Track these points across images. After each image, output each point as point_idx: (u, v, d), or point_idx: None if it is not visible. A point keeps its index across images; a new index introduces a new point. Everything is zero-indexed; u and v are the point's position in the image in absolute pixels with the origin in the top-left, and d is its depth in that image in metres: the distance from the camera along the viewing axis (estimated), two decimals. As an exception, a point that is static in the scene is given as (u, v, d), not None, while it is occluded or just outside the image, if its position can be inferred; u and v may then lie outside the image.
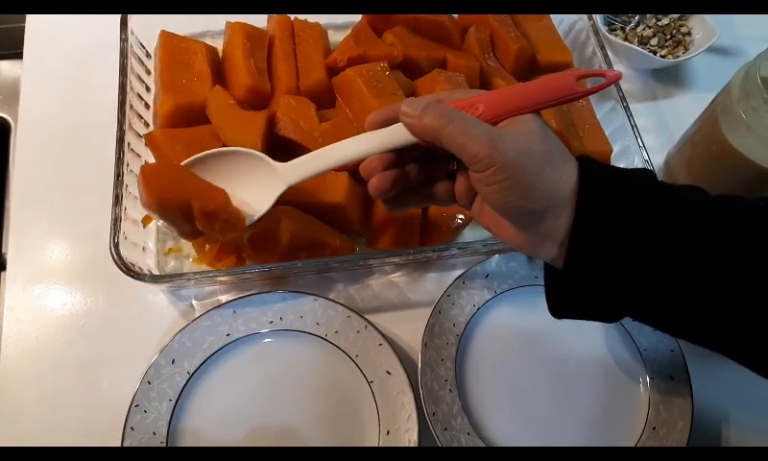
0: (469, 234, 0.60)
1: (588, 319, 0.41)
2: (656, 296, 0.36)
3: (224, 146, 0.58)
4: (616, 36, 0.73)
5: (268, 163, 0.46)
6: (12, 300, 0.56)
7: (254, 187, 0.46)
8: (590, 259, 0.36)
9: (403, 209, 0.45)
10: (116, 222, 0.52)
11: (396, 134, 0.40)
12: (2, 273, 0.58)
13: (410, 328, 0.57)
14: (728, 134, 0.55)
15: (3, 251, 0.59)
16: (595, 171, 0.37)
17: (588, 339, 0.57)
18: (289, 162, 0.45)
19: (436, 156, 0.42)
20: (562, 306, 0.41)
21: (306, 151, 0.58)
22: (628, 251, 0.35)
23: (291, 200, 0.56)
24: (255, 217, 0.46)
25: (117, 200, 0.53)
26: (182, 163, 0.47)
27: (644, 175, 0.38)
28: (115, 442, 0.48)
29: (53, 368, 0.53)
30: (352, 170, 0.58)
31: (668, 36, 0.74)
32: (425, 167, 0.43)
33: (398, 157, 0.42)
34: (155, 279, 0.51)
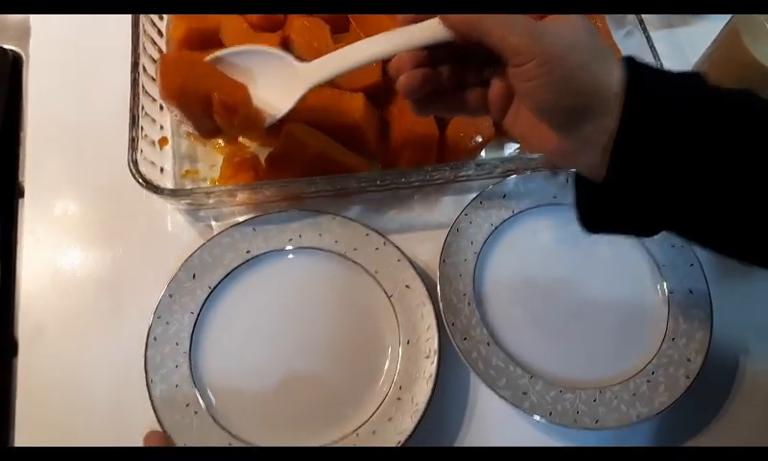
0: (488, 155, 0.60)
1: (624, 233, 0.39)
2: (704, 207, 0.34)
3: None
4: None
5: (289, 63, 0.45)
6: (31, 223, 0.56)
7: (276, 87, 0.46)
8: (637, 165, 0.34)
9: (431, 113, 0.43)
10: (133, 141, 0.52)
11: (430, 30, 0.38)
12: (20, 200, 0.58)
13: (427, 249, 0.57)
14: (749, 46, 0.54)
15: (20, 179, 0.60)
16: (644, 70, 0.35)
17: (606, 255, 0.57)
18: (312, 61, 0.44)
19: (470, 58, 0.40)
20: (596, 220, 0.39)
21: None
22: (679, 157, 0.33)
23: (306, 119, 0.56)
24: (276, 117, 0.46)
25: (134, 121, 0.53)
26: (205, 59, 0.46)
27: (694, 77, 0.35)
28: (140, 351, 0.48)
29: (73, 287, 0.54)
30: (368, 90, 0.58)
31: None
32: (458, 71, 0.40)
33: (430, 55, 0.39)
34: (173, 193, 0.51)
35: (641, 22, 0.63)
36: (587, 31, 0.35)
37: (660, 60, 0.61)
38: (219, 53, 0.46)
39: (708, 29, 0.70)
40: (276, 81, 0.46)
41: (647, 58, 0.61)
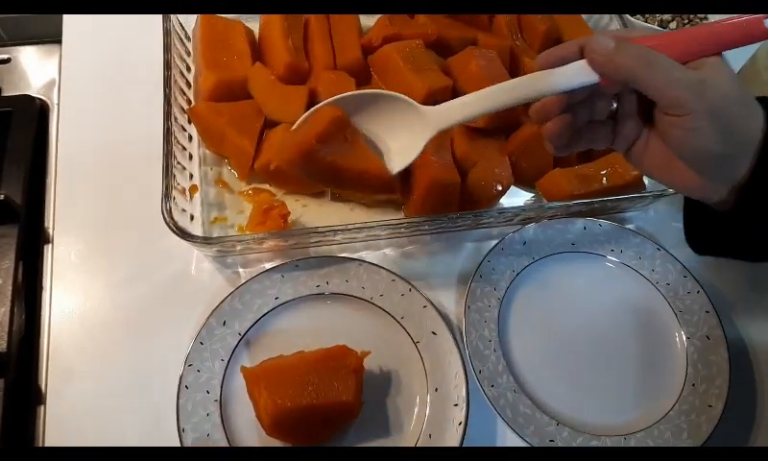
0: (506, 202, 0.62)
1: (731, 257, 0.43)
2: None
3: (268, 119, 0.60)
4: (637, 19, 0.75)
5: (415, 108, 0.44)
6: (60, 269, 0.57)
7: (401, 132, 0.45)
8: (762, 208, 0.37)
9: (568, 151, 0.42)
10: (167, 189, 0.53)
11: (576, 74, 0.38)
12: (47, 246, 0.59)
13: (450, 295, 0.58)
14: None
15: (46, 225, 0.60)
16: None
17: (626, 301, 0.59)
18: (439, 106, 0.43)
19: (600, 95, 0.41)
20: (709, 245, 0.43)
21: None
22: None
23: (332, 166, 0.57)
24: (406, 164, 0.46)
25: (167, 170, 0.54)
26: (334, 99, 0.45)
27: None
28: (170, 399, 0.49)
29: (102, 332, 0.54)
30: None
31: (686, 21, 0.76)
32: (589, 108, 0.41)
33: (569, 96, 0.39)
34: (206, 240, 0.52)
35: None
36: (735, 79, 0.37)
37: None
38: (341, 96, 0.45)
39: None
40: (402, 125, 0.45)
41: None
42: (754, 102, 0.38)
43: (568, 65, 0.38)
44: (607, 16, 0.72)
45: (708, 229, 0.42)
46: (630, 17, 0.74)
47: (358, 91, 0.45)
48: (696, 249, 0.44)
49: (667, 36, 0.37)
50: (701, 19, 0.76)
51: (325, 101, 0.46)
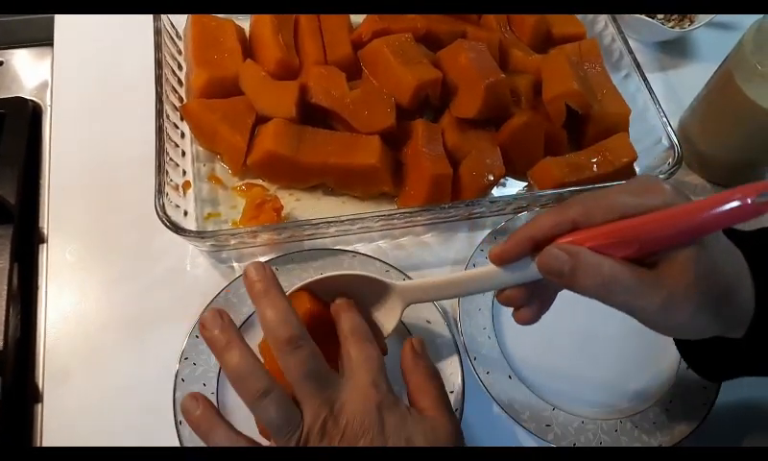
0: (498, 192, 0.62)
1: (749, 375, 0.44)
2: None
3: (259, 115, 0.60)
4: (628, 16, 0.76)
5: (385, 284, 0.44)
6: (55, 267, 0.57)
7: (375, 304, 0.46)
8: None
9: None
10: (161, 185, 0.53)
11: (533, 272, 0.38)
12: (42, 245, 0.59)
13: (444, 285, 0.59)
14: (742, 86, 0.57)
15: (41, 225, 0.60)
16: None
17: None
18: (409, 282, 0.45)
19: None
20: (721, 374, 0.46)
21: (339, 118, 0.61)
22: None
23: (325, 161, 0.58)
24: (388, 332, 0.46)
25: (160, 167, 0.54)
26: (299, 286, 0.44)
27: None
28: (167, 394, 0.49)
29: (98, 329, 0.54)
30: (383, 133, 0.60)
31: (673, 17, 0.77)
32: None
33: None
34: (199, 234, 0.52)
35: (638, 66, 0.67)
36: (712, 272, 0.34)
37: (657, 99, 0.64)
38: (315, 278, 0.44)
39: (696, 71, 0.74)
40: (372, 297, 0.45)
41: (642, 98, 0.65)
42: (737, 280, 0.35)
43: (528, 268, 0.39)
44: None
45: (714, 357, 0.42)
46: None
47: (329, 274, 0.44)
48: (709, 378, 0.47)
49: (635, 227, 0.34)
50: (690, 19, 0.77)
51: (296, 286, 0.44)
